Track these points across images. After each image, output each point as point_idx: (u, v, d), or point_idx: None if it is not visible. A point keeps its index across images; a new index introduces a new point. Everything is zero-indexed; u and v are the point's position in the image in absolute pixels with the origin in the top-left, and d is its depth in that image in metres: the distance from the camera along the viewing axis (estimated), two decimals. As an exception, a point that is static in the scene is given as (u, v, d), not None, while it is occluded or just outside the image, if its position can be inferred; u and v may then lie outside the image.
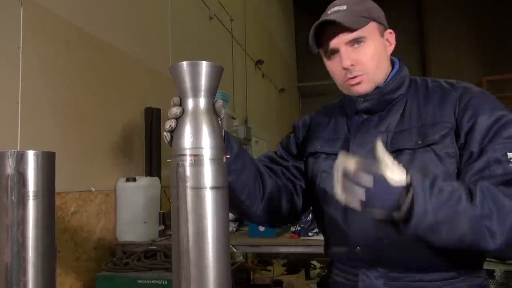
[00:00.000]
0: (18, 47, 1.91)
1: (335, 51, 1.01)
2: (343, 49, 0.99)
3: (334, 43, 0.99)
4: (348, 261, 1.05)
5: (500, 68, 8.10)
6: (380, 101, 1.03)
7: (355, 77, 1.00)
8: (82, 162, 2.32)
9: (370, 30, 1.00)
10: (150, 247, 2.26)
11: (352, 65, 0.99)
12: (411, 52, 10.08)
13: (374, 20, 1.01)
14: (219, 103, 0.75)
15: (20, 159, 0.69)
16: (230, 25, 5.04)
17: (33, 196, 0.70)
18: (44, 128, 2.05)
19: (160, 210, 2.55)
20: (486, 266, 1.90)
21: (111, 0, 2.70)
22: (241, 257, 2.23)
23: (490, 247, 0.79)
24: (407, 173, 0.78)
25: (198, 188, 0.67)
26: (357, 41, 0.99)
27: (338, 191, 0.78)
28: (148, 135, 2.87)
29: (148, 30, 3.17)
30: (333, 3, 1.03)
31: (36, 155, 0.71)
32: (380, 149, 0.79)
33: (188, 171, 0.67)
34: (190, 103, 0.71)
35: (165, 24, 3.48)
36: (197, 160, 0.68)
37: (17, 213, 0.68)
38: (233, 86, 4.96)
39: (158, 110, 2.91)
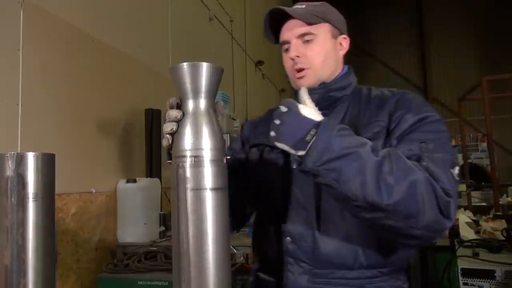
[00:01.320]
0: (18, 49, 1.91)
1: (288, 43, 1.07)
2: (294, 42, 1.05)
3: (286, 35, 1.06)
4: (275, 257, 1.05)
5: (500, 68, 8.10)
6: (325, 97, 1.07)
7: (301, 70, 1.05)
8: (83, 163, 2.32)
9: (322, 29, 1.06)
10: (151, 248, 2.27)
11: (298, 56, 1.05)
12: (411, 53, 10.09)
13: (328, 22, 1.07)
14: (220, 104, 0.75)
15: (20, 161, 0.69)
16: (230, 26, 5.04)
17: (33, 198, 0.69)
18: (44, 130, 2.05)
19: (161, 211, 2.55)
20: (486, 266, 1.91)
21: (111, 1, 2.70)
22: (242, 258, 2.23)
23: (383, 201, 0.79)
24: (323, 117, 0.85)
25: (198, 190, 0.67)
26: (306, 36, 1.05)
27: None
28: (148, 136, 2.87)
29: (148, 31, 3.17)
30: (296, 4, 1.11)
31: (36, 157, 0.71)
32: (304, 94, 0.88)
33: (189, 173, 0.67)
34: (190, 104, 0.70)
35: (165, 25, 3.48)
36: (197, 161, 0.67)
37: (17, 215, 0.68)
38: (233, 87, 4.96)
39: (159, 111, 2.91)
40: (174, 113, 0.69)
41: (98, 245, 2.38)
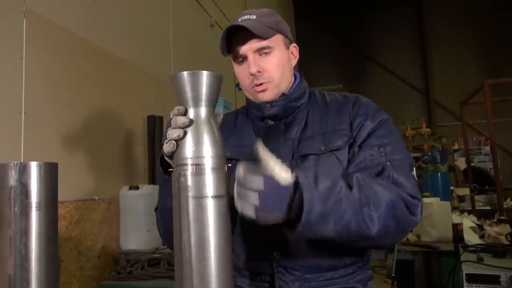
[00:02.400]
0: (21, 58, 1.92)
1: (244, 58, 1.06)
2: (251, 57, 1.04)
3: (243, 49, 1.05)
4: (262, 269, 1.06)
5: (501, 71, 8.09)
6: (286, 108, 1.09)
7: (261, 84, 1.06)
8: (85, 170, 2.33)
9: (277, 41, 1.06)
10: (154, 255, 2.26)
11: (259, 72, 1.05)
12: (412, 56, 10.09)
13: (280, 32, 1.07)
14: (219, 115, 0.75)
15: (23, 170, 0.69)
16: (231, 32, 5.06)
17: (36, 207, 0.70)
18: (47, 137, 2.06)
19: (163, 218, 2.55)
20: (490, 271, 1.89)
21: (113, 9, 2.72)
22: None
23: (370, 232, 0.86)
24: (291, 171, 0.83)
25: (200, 198, 0.67)
26: (264, 50, 1.05)
27: (235, 200, 0.77)
28: (150, 143, 2.88)
29: (149, 38, 3.19)
30: (243, 12, 1.09)
31: (39, 166, 0.71)
32: (262, 151, 0.84)
33: (190, 181, 0.67)
34: (191, 112, 0.71)
35: (166, 32, 3.50)
36: (198, 169, 0.68)
37: (20, 224, 0.68)
38: (235, 93, 4.98)
39: (161, 118, 2.92)
40: (182, 119, 0.70)
41: (101, 252, 2.38)
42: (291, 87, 1.12)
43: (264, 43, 1.03)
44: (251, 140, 1.12)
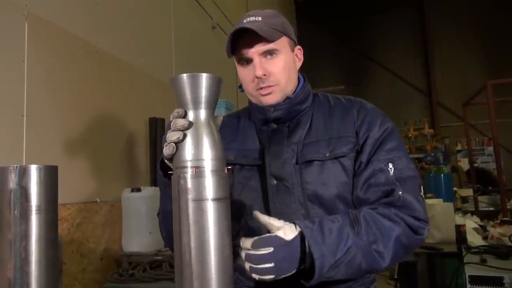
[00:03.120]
0: (23, 61, 1.93)
1: (249, 60, 1.04)
2: (257, 59, 1.03)
3: (249, 52, 1.03)
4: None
5: (503, 72, 8.06)
6: (290, 111, 1.08)
7: (267, 87, 1.04)
8: (87, 173, 2.33)
9: (283, 43, 1.05)
10: (156, 257, 2.26)
11: (265, 75, 1.03)
12: (414, 57, 10.07)
13: (286, 34, 1.06)
14: (219, 118, 0.75)
15: (23, 173, 0.69)
16: (233, 34, 5.07)
17: (36, 210, 0.70)
18: (49, 140, 2.06)
19: (165, 220, 2.55)
20: (494, 273, 1.88)
21: (114, 12, 2.73)
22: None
23: (381, 267, 0.92)
24: (296, 227, 0.86)
25: (199, 200, 0.67)
26: (270, 52, 1.03)
27: (247, 270, 0.84)
28: (152, 145, 2.88)
29: (151, 40, 3.20)
30: (247, 13, 1.07)
31: (39, 170, 0.71)
32: (261, 216, 0.88)
33: (190, 183, 0.67)
34: (190, 115, 0.71)
35: (168, 34, 3.51)
36: (198, 172, 0.68)
37: (20, 227, 0.68)
38: (237, 95, 4.98)
39: (163, 120, 2.92)
40: (182, 122, 0.69)
41: (103, 254, 2.38)
42: (295, 90, 1.10)
43: (270, 45, 1.02)
44: (254, 144, 1.12)
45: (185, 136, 0.69)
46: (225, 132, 1.16)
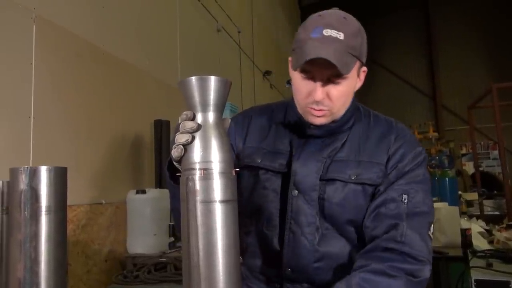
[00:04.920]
0: (31, 63, 1.95)
1: (313, 76, 0.97)
2: (322, 83, 0.96)
3: (317, 72, 0.95)
4: (274, 278, 1.09)
5: (509, 75, 8.02)
6: (329, 132, 1.05)
7: (320, 110, 0.99)
8: (93, 175, 2.34)
9: (353, 70, 0.97)
10: (160, 259, 2.27)
11: (323, 99, 0.97)
12: (418, 60, 10.05)
13: (359, 59, 0.98)
14: (227, 121, 0.75)
15: (33, 174, 0.70)
16: (237, 37, 5.09)
17: (46, 211, 0.70)
18: (55, 142, 2.07)
19: (170, 222, 2.56)
20: (500, 277, 1.87)
21: (121, 15, 2.75)
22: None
23: None
24: None
25: (208, 202, 0.67)
26: (338, 78, 0.96)
27: None
28: (157, 147, 2.89)
29: (157, 43, 3.21)
30: (327, 19, 0.96)
31: (49, 171, 0.72)
32: None
33: (198, 185, 0.67)
34: (199, 117, 0.71)
35: (173, 37, 3.52)
36: (206, 174, 0.68)
37: (30, 228, 0.69)
38: (241, 97, 4.99)
39: (168, 122, 2.93)
40: (190, 124, 0.69)
41: (108, 256, 2.39)
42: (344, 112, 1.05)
43: (341, 75, 0.95)
44: (285, 149, 1.08)
45: (193, 138, 0.70)
46: (255, 127, 1.14)
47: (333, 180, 1.01)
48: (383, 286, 0.89)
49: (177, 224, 1.08)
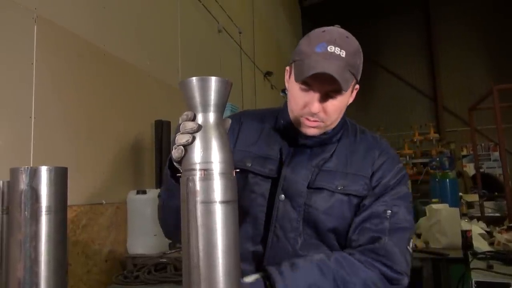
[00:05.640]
0: (32, 63, 1.95)
1: (311, 89, 1.01)
2: (320, 96, 1.00)
3: (318, 86, 0.99)
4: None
5: (510, 76, 8.01)
6: (320, 143, 1.10)
7: (315, 121, 1.03)
8: (93, 175, 2.34)
9: (349, 87, 1.02)
10: (161, 260, 2.27)
11: (319, 111, 1.02)
12: (419, 61, 10.06)
13: (356, 78, 1.03)
14: (227, 121, 0.75)
15: (33, 174, 0.70)
16: (238, 38, 5.09)
17: (46, 211, 0.70)
18: (56, 142, 2.08)
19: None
20: (500, 279, 1.86)
21: (122, 15, 2.75)
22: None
23: None
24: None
25: (208, 203, 0.67)
26: (335, 93, 1.01)
27: None
28: (158, 148, 2.89)
29: (157, 43, 3.22)
30: (331, 36, 0.99)
31: (49, 171, 0.72)
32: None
33: (198, 186, 0.67)
34: (199, 118, 0.71)
35: (174, 38, 3.52)
36: (207, 174, 0.68)
37: (30, 228, 0.69)
38: (242, 98, 4.99)
39: (168, 123, 2.93)
40: (191, 125, 0.69)
41: (108, 256, 2.39)
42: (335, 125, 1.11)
43: (340, 91, 0.99)
44: (275, 154, 1.11)
45: (194, 138, 0.70)
46: (246, 131, 1.17)
47: (321, 189, 1.05)
48: (359, 270, 0.95)
49: (164, 214, 1.09)
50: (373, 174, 1.07)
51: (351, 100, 1.10)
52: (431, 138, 7.53)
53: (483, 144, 8.94)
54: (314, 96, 1.00)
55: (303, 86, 1.01)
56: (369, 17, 10.16)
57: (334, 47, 0.97)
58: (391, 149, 1.14)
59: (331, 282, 0.93)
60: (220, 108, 0.72)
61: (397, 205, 1.04)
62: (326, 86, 0.98)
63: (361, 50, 1.06)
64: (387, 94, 9.99)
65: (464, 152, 9.14)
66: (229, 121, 0.76)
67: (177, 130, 0.73)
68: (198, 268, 0.66)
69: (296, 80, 1.01)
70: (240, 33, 5.12)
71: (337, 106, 1.02)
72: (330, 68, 0.94)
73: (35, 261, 0.69)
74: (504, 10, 9.19)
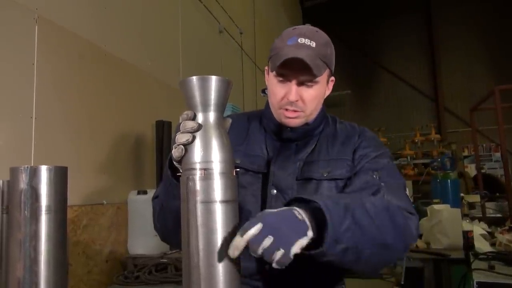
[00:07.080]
0: (33, 63, 1.95)
1: (287, 80, 1.07)
2: (296, 85, 1.06)
3: (292, 76, 1.05)
4: (252, 276, 1.09)
5: (511, 77, 8.00)
6: (304, 135, 1.15)
7: (294, 111, 1.08)
8: (94, 175, 2.34)
9: (323, 76, 1.08)
10: (161, 260, 2.26)
11: (297, 100, 1.07)
12: (421, 62, 10.04)
13: (329, 67, 1.09)
14: (228, 121, 0.75)
15: (33, 174, 0.70)
16: (239, 39, 5.09)
17: (46, 210, 0.70)
18: (57, 142, 2.08)
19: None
20: (502, 280, 1.86)
21: (123, 15, 2.75)
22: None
23: (388, 239, 0.89)
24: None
25: (208, 202, 0.67)
26: (309, 83, 1.07)
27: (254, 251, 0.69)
28: (159, 148, 2.89)
29: (159, 44, 3.22)
30: (300, 30, 1.07)
31: (49, 170, 0.72)
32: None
33: (198, 185, 0.67)
34: (200, 117, 0.71)
35: (175, 38, 3.53)
36: (207, 174, 0.68)
37: (30, 227, 0.69)
38: (243, 99, 4.99)
39: (169, 123, 2.93)
40: (191, 124, 0.70)
41: (109, 256, 2.39)
42: (315, 117, 1.16)
43: (313, 78, 1.05)
44: (261, 152, 1.17)
45: (194, 138, 0.70)
46: (233, 131, 1.19)
47: (309, 179, 1.09)
48: (365, 200, 0.90)
49: (160, 219, 1.09)
50: (354, 153, 1.11)
51: (328, 92, 1.16)
52: (432, 139, 7.52)
53: (484, 145, 8.91)
54: (291, 85, 1.06)
55: (279, 78, 1.08)
56: (370, 18, 10.15)
57: (304, 39, 1.05)
58: (369, 131, 1.20)
59: (361, 206, 0.86)
60: (220, 108, 0.72)
61: (382, 166, 1.07)
62: (300, 74, 1.04)
63: (331, 42, 1.13)
64: (389, 95, 9.98)
65: (466, 153, 9.12)
66: (229, 120, 0.76)
67: (177, 129, 0.73)
68: (198, 267, 0.66)
69: (272, 70, 1.08)
70: (241, 33, 5.12)
71: (313, 95, 1.08)
72: (301, 54, 1.00)
73: (34, 260, 0.69)
74: (505, 12, 9.17)
